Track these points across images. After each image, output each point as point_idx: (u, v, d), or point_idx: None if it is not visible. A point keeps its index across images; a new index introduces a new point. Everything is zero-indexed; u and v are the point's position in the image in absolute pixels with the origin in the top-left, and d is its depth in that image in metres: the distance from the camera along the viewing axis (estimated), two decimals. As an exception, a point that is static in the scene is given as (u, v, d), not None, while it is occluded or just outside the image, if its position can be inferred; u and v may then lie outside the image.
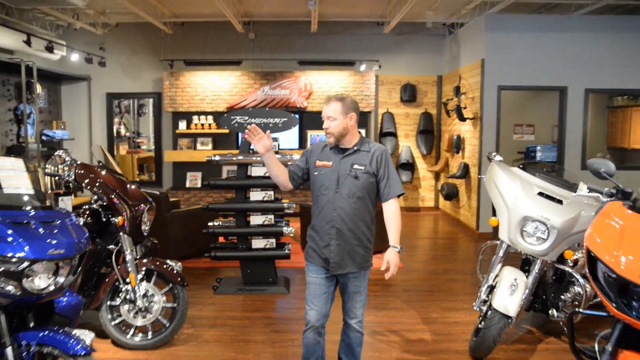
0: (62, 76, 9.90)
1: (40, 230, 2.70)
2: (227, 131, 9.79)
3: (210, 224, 5.67)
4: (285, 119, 5.56)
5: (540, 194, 3.88)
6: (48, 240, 2.67)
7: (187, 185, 9.93)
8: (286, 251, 5.55)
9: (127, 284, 4.08)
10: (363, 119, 10.01)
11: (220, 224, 5.74)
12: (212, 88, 9.82)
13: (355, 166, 3.19)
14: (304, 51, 9.99)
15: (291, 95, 9.82)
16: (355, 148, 3.22)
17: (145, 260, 4.20)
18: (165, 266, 4.20)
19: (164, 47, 9.88)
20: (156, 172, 10.56)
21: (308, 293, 3.28)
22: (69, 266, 2.79)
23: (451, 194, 9.37)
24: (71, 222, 2.95)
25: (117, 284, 4.13)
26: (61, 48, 8.94)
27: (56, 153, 4.11)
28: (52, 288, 2.71)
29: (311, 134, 9.94)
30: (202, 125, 9.85)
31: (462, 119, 8.68)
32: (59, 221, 2.89)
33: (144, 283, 4.14)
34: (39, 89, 8.92)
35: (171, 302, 4.20)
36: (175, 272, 4.20)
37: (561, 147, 8.42)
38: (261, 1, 8.37)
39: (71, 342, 2.68)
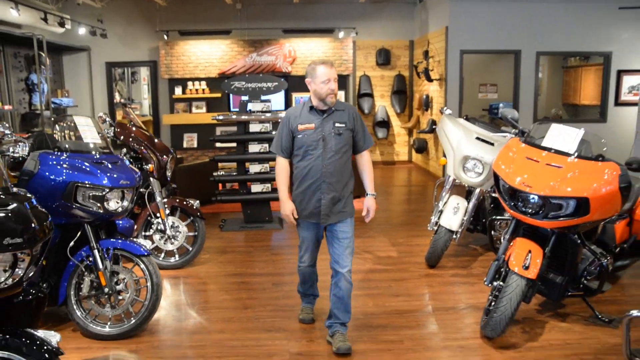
0: (65, 47, 10.71)
1: (111, 168, 3.81)
2: (219, 95, 10.78)
3: (215, 173, 6.77)
4: (276, 83, 6.63)
5: (478, 138, 5.03)
6: (116, 175, 3.77)
7: (185, 145, 10.94)
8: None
9: (158, 217, 5.19)
10: (342, 81, 11.03)
11: (223, 173, 6.87)
12: (205, 56, 10.76)
13: (337, 124, 3.47)
14: (287, 20, 10.92)
15: (277, 61, 10.80)
16: (333, 109, 3.50)
17: (170, 199, 5.31)
18: (186, 203, 5.32)
19: (160, 18, 10.72)
20: (155, 135, 11.50)
21: (301, 244, 3.68)
22: (130, 194, 3.90)
23: (421, 148, 10.55)
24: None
25: (149, 218, 5.24)
26: (57, 19, 9.74)
27: (98, 115, 5.14)
28: (120, 210, 3.82)
29: (296, 96, 10.98)
30: (197, 90, 10.82)
31: (429, 80, 9.79)
32: (120, 162, 4.00)
33: (171, 217, 5.27)
34: (46, 60, 9.77)
35: (192, 232, 5.34)
36: (194, 207, 5.33)
37: (516, 104, 9.59)
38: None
39: (136, 246, 3.83)
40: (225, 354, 3.55)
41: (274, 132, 6.56)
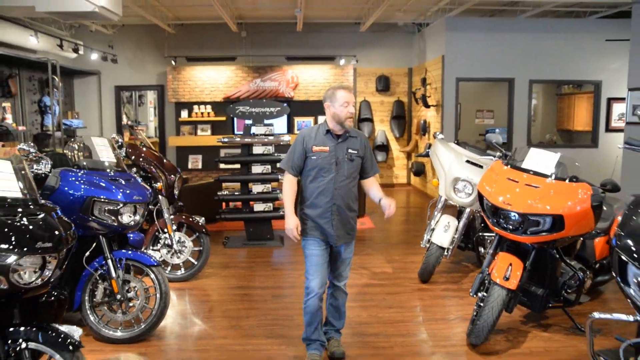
0: (76, 71, 11.16)
1: (125, 184, 4.13)
2: (224, 118, 11.17)
3: (219, 193, 7.09)
4: (279, 108, 6.99)
5: (468, 161, 5.36)
6: (129, 191, 4.09)
7: (190, 166, 11.28)
8: (281, 213, 7.00)
9: (165, 233, 5.50)
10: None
11: (227, 192, 7.19)
12: (210, 81, 11.18)
13: (350, 150, 3.58)
14: (290, 48, 11.37)
15: (280, 86, 11.21)
16: (348, 135, 3.60)
17: (177, 216, 5.62)
18: (192, 219, 5.62)
19: (168, 45, 11.18)
20: (161, 156, 11.89)
21: (309, 265, 3.59)
22: (142, 209, 4.22)
23: (419, 171, 10.88)
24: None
25: (157, 233, 5.55)
26: (71, 45, 10.19)
27: (111, 137, 5.49)
28: (132, 223, 4.13)
29: (298, 120, 11.37)
30: (202, 113, 11.21)
31: (427, 106, 10.17)
32: (132, 179, 4.32)
33: (177, 232, 5.57)
34: (58, 83, 10.19)
35: (198, 247, 5.63)
36: (200, 224, 5.63)
37: (510, 129, 9.94)
38: (254, 6, 9.70)
39: (147, 257, 4.13)
40: (228, 357, 3.82)
41: (276, 154, 6.90)
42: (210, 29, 11.14)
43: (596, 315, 2.80)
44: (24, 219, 2.64)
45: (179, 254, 5.55)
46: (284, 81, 11.21)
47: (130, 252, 4.13)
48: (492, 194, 3.91)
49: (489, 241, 5.38)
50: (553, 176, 3.81)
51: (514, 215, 3.76)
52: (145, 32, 11.30)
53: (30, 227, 2.62)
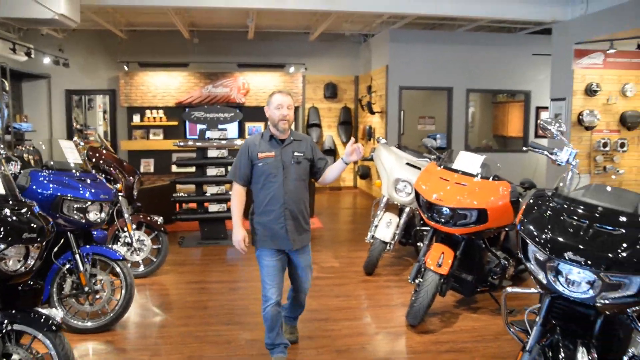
0: (25, 74, 11.10)
1: (91, 184, 4.41)
2: (176, 123, 11.40)
3: (174, 194, 7.38)
4: (232, 114, 7.35)
5: (407, 163, 5.89)
6: (95, 190, 4.38)
7: (142, 170, 11.42)
8: (235, 214, 7.35)
9: (125, 232, 5.76)
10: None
11: (182, 194, 7.48)
12: (163, 86, 11.38)
13: (296, 153, 3.59)
14: (242, 55, 11.71)
15: (231, 92, 11.54)
16: (292, 139, 3.63)
17: (136, 215, 5.88)
18: (150, 219, 5.91)
19: (120, 50, 11.30)
20: (112, 160, 11.96)
21: (265, 275, 3.60)
22: (107, 207, 4.51)
23: (365, 174, 11.44)
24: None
25: (117, 232, 5.80)
26: (23, 49, 10.16)
27: (73, 139, 5.71)
28: (98, 221, 4.42)
29: (249, 125, 11.72)
30: (154, 118, 11.39)
31: (372, 112, 10.75)
32: (98, 180, 4.61)
33: (137, 231, 5.84)
34: (7, 86, 10.15)
35: (156, 244, 5.92)
36: (158, 223, 5.92)
37: (449, 135, 10.64)
38: (207, 15, 10.01)
39: (112, 252, 4.42)
40: (190, 342, 4.17)
41: (230, 157, 7.25)
42: (162, 35, 11.33)
43: (509, 289, 3.34)
44: (8, 212, 2.93)
45: (138, 252, 5.82)
46: (235, 87, 11.55)
47: (97, 247, 4.41)
48: (427, 192, 4.44)
49: (425, 234, 5.92)
50: (479, 175, 4.36)
51: (446, 210, 4.29)
52: (96, 36, 11.37)
53: (16, 220, 2.91)
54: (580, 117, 7.61)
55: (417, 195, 4.62)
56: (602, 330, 2.81)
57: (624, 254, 2.49)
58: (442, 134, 11.44)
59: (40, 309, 3.07)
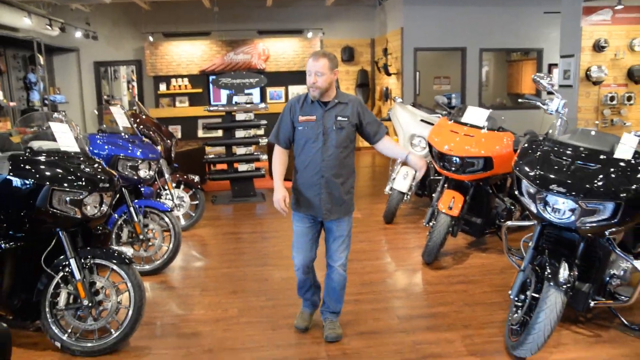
0: (56, 48, 11.67)
1: (139, 145, 4.99)
2: (200, 90, 11.93)
3: (206, 156, 7.97)
4: (257, 79, 7.85)
5: (422, 120, 6.37)
6: (145, 150, 4.97)
7: (170, 136, 12.01)
8: (262, 172, 7.94)
9: (166, 190, 6.37)
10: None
11: (212, 156, 8.07)
12: (186, 55, 11.87)
13: (339, 118, 3.35)
14: (261, 22, 12.10)
15: (252, 59, 11.98)
16: (336, 101, 3.38)
17: (175, 175, 6.48)
18: (189, 177, 6.51)
19: (145, 21, 11.77)
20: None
21: (294, 240, 3.54)
22: (155, 165, 5.11)
23: (383, 134, 11.89)
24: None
25: (158, 191, 6.41)
26: (57, 24, 10.73)
27: (109, 107, 6.29)
28: (147, 177, 5.03)
29: (270, 90, 12.21)
30: (180, 86, 11.93)
31: (388, 74, 11.14)
32: (145, 141, 5.19)
33: (176, 189, 6.45)
34: (42, 60, 10.74)
35: (194, 201, 6.53)
36: (195, 181, 6.52)
37: (464, 94, 11.01)
38: (227, -16, 10.39)
39: (160, 204, 5.02)
40: (232, 280, 4.79)
41: (256, 120, 7.77)
42: (184, 5, 11.74)
43: (509, 223, 3.88)
44: (84, 167, 3.51)
45: (178, 208, 6.44)
46: (255, 54, 11.98)
47: (148, 200, 5.01)
48: (439, 143, 4.93)
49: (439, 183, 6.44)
50: (485, 127, 4.84)
51: (456, 159, 4.79)
52: (120, 9, 11.83)
53: (92, 172, 3.50)
54: (588, 72, 7.94)
55: (431, 147, 5.12)
56: (585, 252, 3.35)
57: (599, 184, 3.00)
58: (457, 94, 11.79)
59: (114, 247, 3.69)
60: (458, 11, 10.56)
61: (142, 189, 5.42)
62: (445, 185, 5.14)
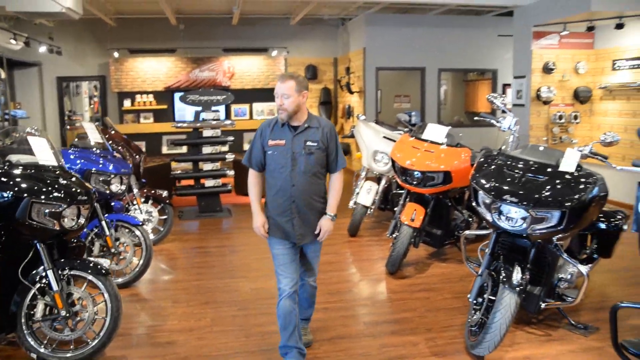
0: (17, 62, 11.54)
1: (111, 159, 5.09)
2: (165, 106, 12.00)
3: (174, 172, 8.06)
4: (225, 96, 8.02)
5: (385, 137, 6.66)
6: (117, 165, 5.06)
7: (134, 152, 12.00)
8: (229, 188, 8.07)
9: (134, 205, 6.44)
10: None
11: (180, 172, 8.17)
12: (152, 71, 11.94)
13: (308, 143, 3.26)
14: (226, 40, 12.30)
15: (217, 76, 12.15)
16: (306, 125, 3.29)
17: (143, 190, 6.57)
18: (157, 193, 6.60)
19: (110, 37, 11.80)
20: (104, 143, 12.53)
21: (277, 264, 3.37)
22: (127, 181, 5.21)
23: (345, 151, 12.19)
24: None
25: (127, 206, 6.47)
26: (22, 38, 10.64)
27: (82, 123, 6.34)
28: (119, 192, 5.12)
29: (234, 107, 12.37)
30: (144, 102, 11.97)
31: (351, 92, 11.48)
32: (117, 156, 5.29)
33: (145, 204, 6.53)
34: (3, 74, 10.62)
35: (162, 216, 6.62)
36: (164, 196, 6.62)
37: (423, 112, 11.43)
38: (193, 2, 10.56)
39: (131, 218, 5.12)
40: (203, 292, 4.91)
41: (223, 137, 7.92)
42: (149, 22, 11.82)
43: (467, 232, 4.16)
44: (63, 180, 3.61)
45: (147, 223, 6.51)
46: (220, 71, 12.15)
47: (119, 215, 5.10)
48: (401, 159, 5.21)
49: (401, 197, 6.73)
50: (444, 144, 5.15)
51: (417, 174, 5.07)
52: (85, 24, 11.81)
53: (70, 185, 3.60)
54: (539, 92, 8.45)
55: (393, 162, 5.39)
56: (536, 258, 3.65)
57: (546, 194, 3.31)
58: (416, 111, 12.15)
59: (90, 258, 3.79)
60: (418, 33, 11.01)
61: (112, 204, 5.50)
62: (407, 199, 5.42)
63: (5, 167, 3.48)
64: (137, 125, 12.01)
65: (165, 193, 6.70)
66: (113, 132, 6.52)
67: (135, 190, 6.36)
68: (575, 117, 8.56)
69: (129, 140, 6.63)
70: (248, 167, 3.48)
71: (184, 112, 12.02)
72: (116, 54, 11.68)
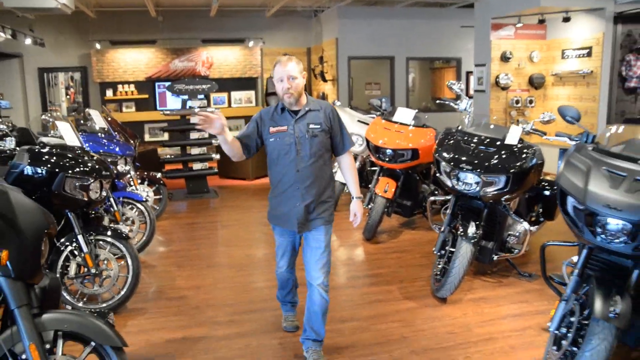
0: (-1, 54, 11.85)
1: (117, 142, 5.67)
2: (147, 96, 12.47)
3: (164, 156, 8.63)
4: (210, 85, 8.60)
5: (359, 120, 7.37)
6: (122, 147, 5.65)
7: (117, 140, 12.46)
8: (215, 170, 8.69)
9: (132, 186, 7.00)
10: (252, 82, 13.14)
11: (169, 156, 8.74)
12: (133, 62, 12.38)
13: (312, 126, 3.20)
14: (204, 31, 12.80)
15: (196, 66, 12.66)
16: (307, 109, 3.23)
17: (139, 172, 7.14)
18: (152, 174, 7.18)
19: (91, 29, 12.17)
20: (86, 132, 12.93)
21: (277, 248, 3.52)
22: (131, 162, 5.80)
23: (321, 136, 12.89)
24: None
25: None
26: (9, 31, 10.93)
27: (87, 110, 6.87)
28: (124, 172, 5.71)
29: (213, 96, 12.91)
30: (126, 92, 12.41)
31: (324, 80, 12.15)
32: (121, 140, 5.86)
33: (140, 185, 7.10)
34: (-14, 66, 10.95)
35: (157, 195, 7.21)
36: (158, 177, 7.20)
37: (392, 98, 12.19)
38: (174, -4, 11.05)
39: (136, 195, 5.72)
40: (204, 257, 5.56)
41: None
42: (129, 14, 12.25)
43: (432, 198, 4.91)
44: (87, 158, 4.21)
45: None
46: (199, 61, 12.67)
47: (125, 192, 5.69)
48: (375, 139, 5.93)
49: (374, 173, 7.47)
50: (412, 125, 5.88)
51: (389, 151, 5.79)
52: (66, 17, 12.12)
53: (94, 163, 4.20)
54: (498, 79, 9.27)
55: (368, 142, 6.11)
56: (488, 217, 4.41)
57: (495, 162, 4.06)
58: (386, 98, 12.89)
59: (111, 225, 4.40)
60: (387, 24, 11.73)
61: (116, 183, 6.07)
62: (381, 174, 6.14)
63: (39, 148, 4.06)
64: (120, 114, 12.42)
65: (159, 175, 7.29)
66: (110, 119, 7.05)
67: (133, 173, 6.93)
68: (531, 102, 9.42)
69: (124, 126, 7.18)
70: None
71: (166, 100, 12.52)
72: (98, 46, 12.07)
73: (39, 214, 2.60)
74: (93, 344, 2.47)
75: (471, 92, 12.37)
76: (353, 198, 3.39)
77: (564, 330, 2.88)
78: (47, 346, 2.40)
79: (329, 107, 3.34)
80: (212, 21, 12.71)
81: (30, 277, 2.44)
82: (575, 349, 2.74)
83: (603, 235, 2.66)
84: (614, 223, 2.60)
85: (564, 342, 2.83)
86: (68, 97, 15.94)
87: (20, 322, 2.34)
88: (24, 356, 2.37)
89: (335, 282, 4.80)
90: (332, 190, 3.40)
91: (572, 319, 2.84)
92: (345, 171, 3.44)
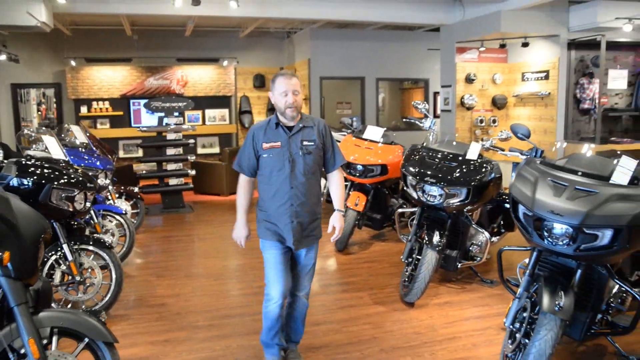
0: (-29, 70, 11.85)
1: (97, 157, 5.85)
2: (121, 113, 12.60)
3: (139, 172, 8.79)
4: (186, 103, 8.84)
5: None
6: (102, 161, 5.84)
7: (90, 156, 12.52)
8: (191, 186, 8.88)
9: (109, 200, 7.15)
10: (226, 100, 13.41)
11: (144, 171, 8.91)
12: (108, 79, 12.51)
13: (305, 143, 3.20)
14: (179, 50, 13.04)
15: (171, 84, 12.87)
16: (301, 125, 3.23)
17: (116, 186, 7.29)
18: (129, 189, 7.35)
19: (66, 46, 12.28)
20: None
21: (269, 269, 3.28)
22: (110, 176, 5.98)
23: (294, 153, 13.19)
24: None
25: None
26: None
27: (69, 127, 7.01)
28: (105, 185, 5.89)
29: (188, 113, 13.11)
30: (101, 109, 12.52)
31: (298, 99, 12.49)
32: (101, 154, 6.05)
33: (118, 199, 7.26)
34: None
35: (134, 209, 7.37)
36: (135, 191, 7.37)
37: (363, 117, 12.59)
38: (149, 15, 11.25)
39: (116, 208, 5.89)
40: (183, 268, 5.76)
41: (184, 140, 8.73)
42: (105, 32, 12.40)
43: (400, 210, 5.23)
44: (72, 171, 4.41)
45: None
46: (174, 79, 12.88)
47: (105, 205, 5.87)
48: (346, 155, 6.20)
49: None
50: (381, 142, 6.23)
51: (359, 167, 6.12)
52: (40, 33, 12.21)
53: (79, 175, 4.40)
54: (463, 99, 9.75)
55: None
56: (452, 226, 4.75)
57: (457, 176, 4.42)
58: (357, 117, 13.31)
59: (95, 234, 4.59)
60: (358, 46, 12.18)
61: (97, 197, 6.23)
62: (352, 189, 6.45)
63: (26, 160, 4.25)
64: (94, 130, 12.47)
65: (136, 189, 7.46)
66: (88, 134, 7.22)
67: (110, 187, 7.09)
68: (494, 121, 9.91)
69: (102, 142, 7.35)
70: (239, 172, 3.38)
71: (141, 117, 12.66)
72: (73, 63, 12.19)
73: (36, 219, 2.83)
74: (87, 339, 2.69)
75: (438, 111, 12.91)
76: (335, 210, 3.40)
77: (517, 325, 3.22)
78: (44, 342, 2.61)
79: (322, 123, 3.35)
80: (187, 40, 12.97)
81: (29, 277, 2.65)
82: (527, 340, 3.07)
83: (549, 239, 3.01)
84: (558, 227, 2.96)
85: (517, 335, 3.16)
86: (40, 113, 15.93)
87: (19, 319, 2.54)
88: (22, 351, 2.57)
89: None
90: (321, 206, 3.44)
91: (525, 315, 3.19)
92: (333, 187, 3.45)
